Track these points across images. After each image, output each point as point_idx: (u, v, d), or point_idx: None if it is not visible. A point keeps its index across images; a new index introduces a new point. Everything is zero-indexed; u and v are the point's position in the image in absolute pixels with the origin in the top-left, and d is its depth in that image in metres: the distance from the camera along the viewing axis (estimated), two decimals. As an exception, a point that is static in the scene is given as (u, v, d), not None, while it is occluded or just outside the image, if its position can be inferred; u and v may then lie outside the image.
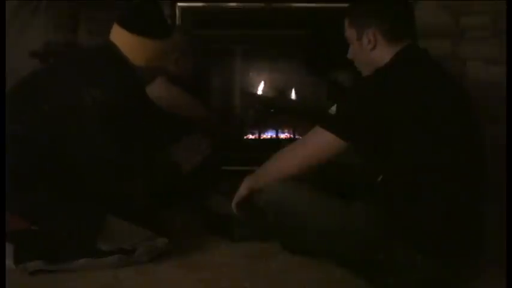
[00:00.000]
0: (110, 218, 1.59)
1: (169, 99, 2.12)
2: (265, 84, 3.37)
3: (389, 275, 1.46)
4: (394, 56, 1.53)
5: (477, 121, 1.53)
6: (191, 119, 2.26)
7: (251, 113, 3.23)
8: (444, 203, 1.44)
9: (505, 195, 1.61)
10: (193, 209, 2.04)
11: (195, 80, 2.52)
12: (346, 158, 1.75)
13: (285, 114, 3.25)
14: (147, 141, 1.80)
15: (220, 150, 2.35)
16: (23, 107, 1.61)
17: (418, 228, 1.44)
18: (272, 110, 3.27)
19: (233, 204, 1.72)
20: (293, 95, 3.37)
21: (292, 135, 3.20)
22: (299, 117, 3.16)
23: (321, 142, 1.54)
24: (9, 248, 1.53)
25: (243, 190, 1.72)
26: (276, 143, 2.99)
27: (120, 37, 1.71)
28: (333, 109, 1.53)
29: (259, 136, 3.21)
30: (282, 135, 3.23)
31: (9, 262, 1.52)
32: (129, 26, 1.69)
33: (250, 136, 3.17)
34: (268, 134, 3.23)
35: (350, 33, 1.62)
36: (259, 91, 3.39)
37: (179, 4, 2.87)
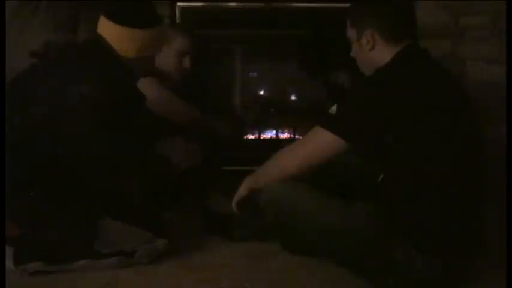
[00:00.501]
0: (110, 221, 1.59)
1: (160, 102, 2.10)
2: (265, 84, 3.37)
3: (389, 275, 1.46)
4: (394, 56, 1.53)
5: (477, 121, 1.53)
6: (181, 123, 2.25)
7: (251, 113, 3.23)
8: (444, 203, 1.44)
9: (505, 195, 1.61)
10: (193, 209, 2.04)
11: (194, 81, 2.52)
12: (346, 158, 1.75)
13: (285, 114, 3.25)
14: (138, 136, 1.79)
15: (220, 150, 2.35)
16: (11, 109, 1.59)
17: (418, 228, 1.44)
18: (272, 110, 3.28)
19: (233, 204, 1.73)
20: (293, 95, 3.37)
21: (292, 135, 3.20)
22: (299, 117, 3.16)
23: (321, 142, 1.54)
24: (9, 249, 1.52)
25: (243, 190, 1.72)
26: (276, 143, 2.99)
27: (107, 29, 1.68)
28: (333, 109, 1.53)
29: (259, 136, 3.21)
30: (282, 135, 3.23)
31: (9, 263, 1.52)
32: (115, 17, 1.67)
33: (250, 136, 3.17)
34: (268, 134, 3.23)
35: (351, 33, 1.63)
36: (259, 91, 3.39)
37: (179, 4, 2.87)
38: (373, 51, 1.57)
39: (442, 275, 1.45)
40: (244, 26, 3.03)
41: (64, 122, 1.55)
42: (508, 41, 2.41)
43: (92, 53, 1.68)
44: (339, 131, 1.49)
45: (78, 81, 1.57)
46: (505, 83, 2.25)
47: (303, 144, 1.63)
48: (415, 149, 1.44)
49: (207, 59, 2.97)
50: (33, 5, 2.54)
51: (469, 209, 1.47)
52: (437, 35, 2.63)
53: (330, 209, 1.54)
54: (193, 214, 2.01)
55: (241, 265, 1.67)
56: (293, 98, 3.37)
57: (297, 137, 3.12)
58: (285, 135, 3.23)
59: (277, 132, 3.24)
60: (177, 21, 2.86)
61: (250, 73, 3.37)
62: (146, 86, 1.84)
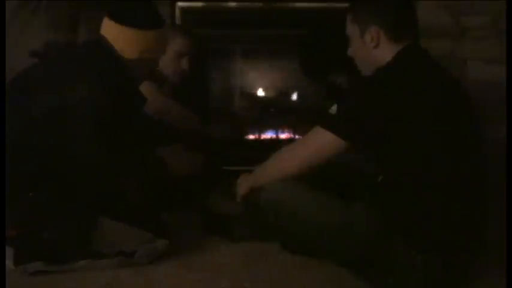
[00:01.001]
0: (110, 221, 1.59)
1: (155, 107, 2.10)
2: (265, 84, 3.37)
3: (389, 275, 1.46)
4: (395, 55, 1.53)
5: (477, 121, 1.52)
6: (178, 127, 2.25)
7: (251, 113, 3.23)
8: (444, 203, 1.44)
9: (505, 195, 1.61)
10: (193, 210, 2.04)
11: (194, 81, 2.52)
12: (346, 158, 1.75)
13: (285, 114, 3.25)
14: (137, 137, 1.79)
15: (220, 150, 2.35)
16: (12, 109, 1.59)
17: (418, 228, 1.44)
18: (272, 110, 3.28)
19: (239, 200, 1.74)
20: (293, 95, 3.37)
21: (292, 135, 3.20)
22: (299, 117, 3.16)
23: (321, 142, 1.54)
24: (9, 249, 1.52)
25: (243, 189, 1.72)
26: (276, 143, 2.99)
27: (109, 30, 1.68)
28: (333, 109, 1.52)
29: (259, 136, 3.21)
30: (282, 135, 3.23)
31: (9, 263, 1.52)
32: (118, 17, 1.66)
33: (250, 136, 3.17)
34: (268, 134, 3.23)
35: (352, 30, 1.60)
36: (259, 91, 3.39)
37: (179, 4, 2.87)
38: (377, 50, 1.55)
39: (442, 275, 1.45)
40: (244, 26, 3.03)
41: (64, 122, 1.55)
42: (508, 41, 2.41)
43: (92, 54, 1.67)
44: (339, 131, 1.49)
45: (78, 81, 1.57)
46: (505, 83, 2.25)
47: (302, 144, 1.63)
48: (415, 149, 1.43)
49: (207, 59, 2.98)
50: (33, 5, 2.54)
51: (469, 209, 1.47)
52: (437, 35, 2.63)
53: (330, 209, 1.54)
54: (193, 214, 2.01)
55: (241, 265, 1.67)
56: (293, 98, 3.37)
57: (297, 137, 3.12)
58: (285, 135, 3.23)
59: (277, 132, 3.24)
60: (177, 21, 2.86)
61: (250, 73, 3.37)
62: (144, 91, 1.84)
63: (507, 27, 2.42)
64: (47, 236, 1.54)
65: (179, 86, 2.37)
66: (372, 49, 1.56)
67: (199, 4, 2.92)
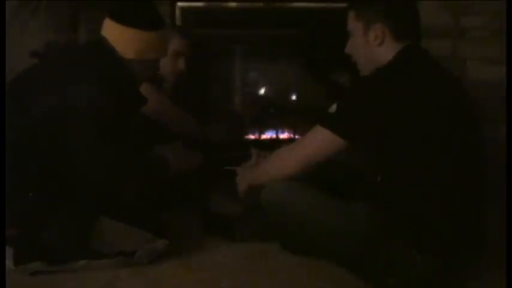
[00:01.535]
0: (110, 221, 1.59)
1: (153, 109, 2.10)
2: (265, 84, 3.37)
3: (389, 275, 1.46)
4: (396, 55, 1.52)
5: (477, 121, 1.52)
6: (176, 130, 2.24)
7: (251, 113, 3.23)
8: (444, 203, 1.44)
9: (505, 195, 1.61)
10: (194, 210, 2.04)
11: (194, 81, 2.52)
12: (346, 158, 1.75)
13: (285, 114, 3.25)
14: (137, 137, 1.79)
15: (220, 150, 2.35)
16: (12, 109, 1.59)
17: (418, 228, 1.44)
18: (272, 110, 3.28)
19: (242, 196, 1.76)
20: (293, 95, 3.37)
21: (292, 135, 3.20)
22: (299, 117, 3.16)
23: (320, 140, 1.54)
24: (9, 249, 1.52)
25: (242, 187, 1.73)
26: (276, 143, 2.99)
27: (110, 30, 1.68)
28: (333, 108, 1.52)
29: (259, 136, 3.21)
30: (282, 135, 3.23)
31: (9, 263, 1.52)
32: (120, 18, 1.66)
33: (251, 136, 3.17)
34: (268, 134, 3.23)
35: (356, 26, 1.57)
36: (259, 91, 3.39)
37: (179, 4, 2.87)
38: (380, 48, 1.54)
39: (442, 275, 1.45)
40: (244, 26, 3.03)
41: (64, 122, 1.55)
42: (508, 41, 2.41)
43: (93, 54, 1.67)
44: (339, 130, 1.49)
45: (78, 82, 1.57)
46: (505, 83, 2.25)
47: (302, 143, 1.62)
48: (415, 149, 1.43)
49: (207, 59, 2.97)
50: (33, 5, 2.54)
51: (469, 209, 1.47)
52: (437, 35, 2.63)
53: (330, 209, 1.54)
54: (193, 214, 2.01)
55: (241, 265, 1.67)
56: (293, 98, 3.37)
57: (297, 137, 3.12)
58: (285, 135, 3.23)
59: (277, 132, 3.24)
60: (177, 21, 2.86)
61: (250, 73, 3.37)
62: (142, 91, 1.84)
63: (507, 27, 2.42)
64: (47, 236, 1.54)
65: (177, 86, 2.36)
66: (375, 47, 1.55)
67: (199, 4, 2.92)
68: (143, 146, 1.83)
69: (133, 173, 1.67)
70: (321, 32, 2.97)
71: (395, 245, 1.44)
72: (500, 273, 1.46)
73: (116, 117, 1.59)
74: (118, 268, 1.59)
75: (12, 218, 1.53)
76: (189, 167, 1.86)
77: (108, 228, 1.58)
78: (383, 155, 1.50)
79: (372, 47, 1.55)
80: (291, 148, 1.65)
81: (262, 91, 3.37)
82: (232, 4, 2.93)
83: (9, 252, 1.52)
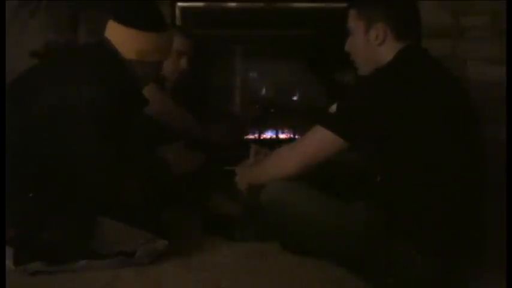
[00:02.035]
0: (110, 222, 1.59)
1: (155, 107, 2.10)
2: (265, 84, 3.37)
3: (389, 275, 1.46)
4: (396, 54, 1.52)
5: (478, 121, 1.52)
6: (176, 129, 2.25)
7: (251, 113, 3.23)
8: (444, 203, 1.44)
9: (505, 195, 1.61)
10: (194, 210, 2.04)
11: (194, 81, 2.52)
12: (345, 158, 1.75)
13: (285, 114, 3.25)
14: (138, 138, 1.79)
15: (220, 150, 2.35)
16: (12, 109, 1.60)
17: (418, 228, 1.44)
18: (272, 110, 3.28)
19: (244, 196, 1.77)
20: (293, 95, 3.37)
21: (292, 135, 3.20)
22: (299, 117, 3.16)
23: (320, 140, 1.54)
24: (9, 249, 1.52)
25: (243, 186, 1.74)
26: (276, 143, 2.99)
27: (114, 32, 1.68)
28: (333, 108, 1.52)
29: (259, 136, 3.21)
30: (282, 135, 3.23)
31: (9, 263, 1.52)
32: (123, 20, 1.67)
33: (250, 136, 3.17)
34: (268, 134, 3.23)
35: (356, 25, 1.57)
36: (259, 91, 3.39)
37: (179, 4, 2.87)
38: (381, 47, 1.54)
39: (442, 275, 1.44)
40: (244, 26, 3.03)
41: (65, 122, 1.55)
42: (508, 41, 2.40)
43: (94, 55, 1.68)
44: (339, 130, 1.49)
45: (80, 82, 1.57)
46: (505, 83, 2.25)
47: (302, 143, 1.62)
48: (415, 149, 1.43)
49: (207, 59, 2.97)
50: (33, 5, 2.54)
51: (469, 209, 1.47)
52: (437, 35, 2.63)
53: (330, 209, 1.54)
54: (193, 214, 2.01)
55: (241, 265, 1.67)
56: (293, 98, 3.37)
57: (297, 137, 3.12)
58: (285, 135, 3.23)
59: (277, 132, 3.24)
60: (177, 21, 2.86)
61: (250, 73, 3.37)
62: (146, 92, 1.84)
63: (507, 27, 2.42)
64: (47, 236, 1.54)
65: (179, 85, 2.37)
66: (376, 46, 1.55)
67: (199, 4, 2.92)
68: (145, 146, 1.83)
69: (134, 174, 1.67)
70: (322, 32, 2.97)
71: (395, 245, 1.44)
72: (500, 273, 1.46)
73: (117, 118, 1.59)
74: (118, 268, 1.59)
75: (12, 218, 1.53)
76: (190, 168, 1.87)
77: (108, 228, 1.58)
78: (383, 155, 1.50)
79: (372, 46, 1.55)
80: (291, 147, 1.64)
81: (262, 91, 3.37)
82: (232, 4, 2.92)
83: (9, 252, 1.52)
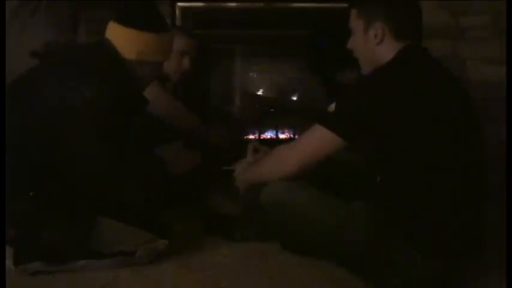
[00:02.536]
0: (110, 221, 1.59)
1: (161, 106, 2.10)
2: (265, 84, 3.38)
3: (389, 275, 1.46)
4: (396, 54, 1.52)
5: (477, 121, 1.52)
6: (180, 128, 2.25)
7: (251, 113, 3.23)
8: (444, 203, 1.44)
9: (505, 195, 1.61)
10: (194, 210, 2.04)
11: (194, 81, 2.52)
12: (346, 158, 1.75)
13: (285, 114, 3.25)
14: (137, 138, 1.79)
15: (220, 150, 2.35)
16: (12, 110, 1.60)
17: (418, 228, 1.44)
18: (272, 110, 3.28)
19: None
20: (293, 95, 3.37)
21: (292, 135, 3.20)
22: (299, 117, 3.16)
23: (319, 140, 1.53)
24: (9, 249, 1.52)
25: (244, 185, 1.74)
26: (276, 143, 2.99)
27: (115, 32, 1.69)
28: (332, 107, 1.52)
29: (259, 136, 3.21)
30: (282, 135, 3.24)
31: (9, 263, 1.52)
32: (124, 20, 1.68)
33: (250, 136, 3.17)
34: (268, 134, 3.24)
35: (356, 24, 1.59)
36: (259, 91, 3.39)
37: (179, 4, 2.87)
38: (379, 46, 1.55)
39: (442, 275, 1.45)
40: (244, 26, 3.03)
41: (65, 122, 1.56)
42: (508, 41, 2.41)
43: (94, 55, 1.68)
44: (338, 129, 1.49)
45: (79, 82, 1.57)
46: (505, 83, 2.25)
47: (301, 142, 1.62)
48: (415, 149, 1.43)
49: (207, 59, 2.98)
50: (33, 5, 2.54)
51: (469, 209, 1.47)
52: (437, 35, 2.63)
53: (330, 209, 1.54)
54: (193, 214, 2.01)
55: (241, 265, 1.67)
56: (293, 98, 3.37)
57: (296, 137, 3.12)
58: (285, 135, 3.24)
59: (277, 132, 3.24)
60: (177, 21, 2.86)
61: (250, 73, 3.38)
62: (151, 90, 1.84)
63: (507, 27, 2.42)
64: (47, 236, 1.54)
65: (180, 85, 2.37)
66: (375, 45, 1.55)
67: (199, 4, 2.92)
68: (145, 146, 1.83)
69: (133, 173, 1.68)
70: (322, 32, 2.97)
71: (395, 245, 1.44)
72: (500, 273, 1.46)
73: (117, 118, 1.60)
74: (118, 268, 1.59)
75: (12, 218, 1.53)
76: (187, 167, 1.87)
77: (108, 228, 1.58)
78: (383, 154, 1.50)
79: (371, 45, 1.56)
80: (291, 146, 1.64)
81: (262, 91, 3.37)
82: (232, 4, 2.93)
83: (9, 252, 1.52)
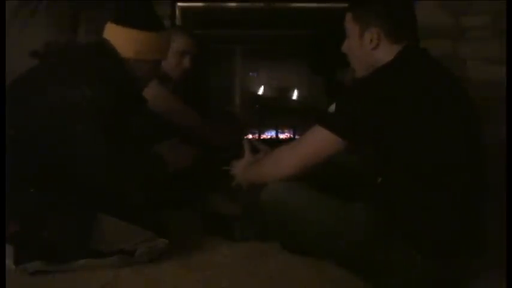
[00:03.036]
0: (110, 220, 1.59)
1: (161, 104, 2.10)
2: (265, 84, 3.38)
3: (389, 276, 1.46)
4: (395, 56, 1.52)
5: (478, 121, 1.52)
6: (181, 126, 2.25)
7: (251, 113, 3.24)
8: (444, 203, 1.44)
9: (505, 195, 1.61)
10: (194, 209, 2.04)
11: (194, 81, 2.52)
12: (345, 158, 1.75)
13: (285, 114, 3.26)
14: (137, 137, 1.79)
15: (219, 150, 2.35)
16: (12, 109, 1.60)
17: (418, 228, 1.44)
18: (272, 110, 3.29)
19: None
20: (293, 95, 3.37)
21: (292, 135, 3.20)
22: (299, 117, 3.16)
23: (320, 140, 1.53)
24: (9, 249, 1.52)
25: (245, 185, 1.75)
26: (276, 143, 2.99)
27: (113, 32, 1.71)
28: (332, 108, 1.52)
29: (259, 136, 3.21)
30: (282, 135, 3.24)
31: (9, 262, 1.52)
32: (121, 20, 1.69)
33: (250, 136, 3.17)
34: (268, 134, 3.24)
35: (352, 28, 1.58)
36: (259, 91, 3.39)
37: (179, 4, 2.87)
38: (376, 51, 1.54)
39: (442, 275, 1.45)
40: (244, 26, 3.03)
41: (65, 121, 1.56)
42: (508, 41, 2.41)
43: (94, 54, 1.69)
44: (338, 130, 1.48)
45: (80, 82, 1.58)
46: (505, 83, 2.25)
47: (302, 143, 1.62)
48: (415, 149, 1.43)
49: (207, 59, 2.98)
50: (33, 5, 2.54)
51: (469, 209, 1.46)
52: (437, 35, 2.63)
53: (330, 209, 1.54)
54: (193, 214, 2.01)
55: (241, 265, 1.67)
56: (293, 98, 3.37)
57: (296, 137, 3.12)
58: (285, 135, 3.24)
59: (277, 132, 3.24)
60: (177, 21, 2.86)
61: (250, 73, 3.38)
62: (153, 89, 1.85)
63: (507, 27, 2.42)
64: (47, 236, 1.54)
65: (180, 85, 2.37)
66: (371, 50, 1.55)
67: (199, 4, 2.92)
68: (144, 145, 1.83)
69: (133, 172, 1.68)
70: (322, 32, 2.97)
71: (395, 245, 1.44)
72: (500, 273, 1.46)
73: (116, 117, 1.60)
74: (118, 267, 1.59)
75: (12, 216, 1.53)
76: (184, 163, 1.86)
77: (108, 227, 1.59)
78: (383, 155, 1.50)
79: (366, 50, 1.55)
80: (291, 147, 1.64)
81: (262, 91, 3.37)
82: (232, 4, 2.93)
83: (9, 251, 1.52)
